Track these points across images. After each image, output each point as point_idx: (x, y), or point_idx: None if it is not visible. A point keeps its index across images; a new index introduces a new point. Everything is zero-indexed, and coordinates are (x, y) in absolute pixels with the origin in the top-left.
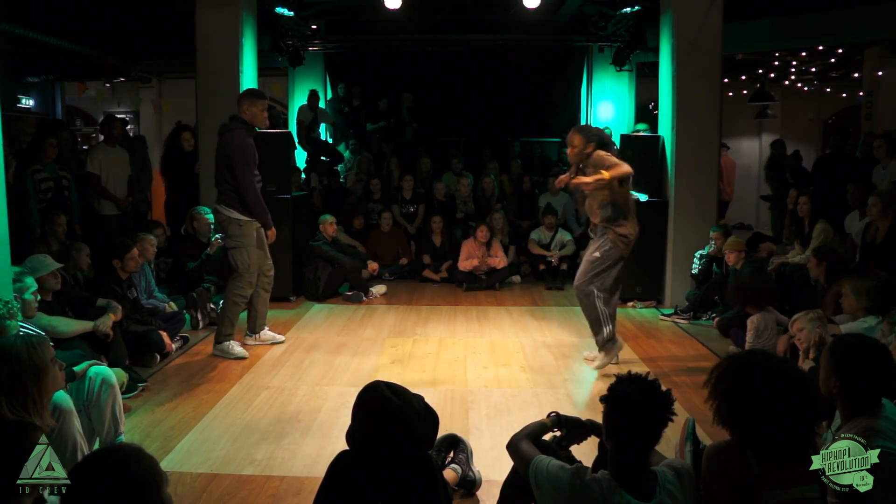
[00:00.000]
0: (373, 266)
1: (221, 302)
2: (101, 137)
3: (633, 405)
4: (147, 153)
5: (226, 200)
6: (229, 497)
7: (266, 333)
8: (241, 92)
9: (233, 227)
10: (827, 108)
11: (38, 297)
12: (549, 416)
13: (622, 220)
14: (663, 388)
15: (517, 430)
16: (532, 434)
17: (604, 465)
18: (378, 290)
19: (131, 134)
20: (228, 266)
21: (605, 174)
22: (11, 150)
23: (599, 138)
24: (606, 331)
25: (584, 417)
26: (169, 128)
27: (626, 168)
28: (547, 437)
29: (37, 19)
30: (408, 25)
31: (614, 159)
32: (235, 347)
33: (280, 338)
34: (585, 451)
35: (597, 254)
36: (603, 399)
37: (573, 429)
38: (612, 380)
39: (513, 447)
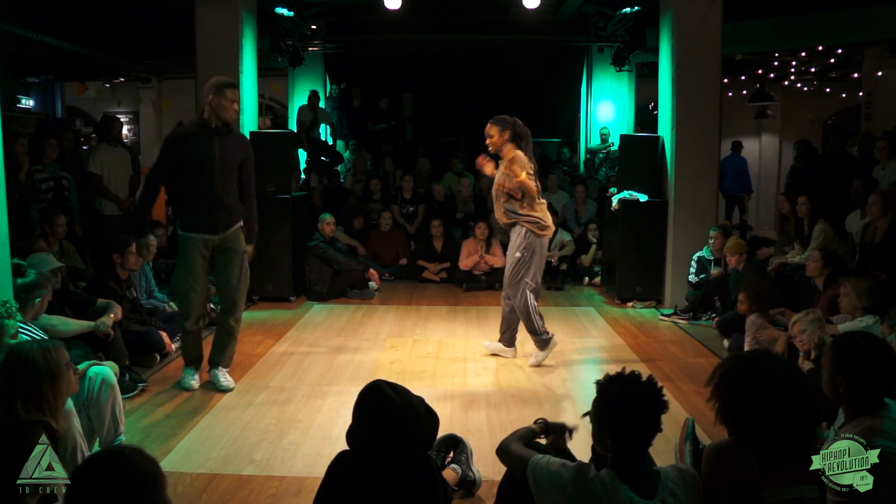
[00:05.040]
0: (373, 274)
1: (218, 306)
2: (97, 137)
3: (624, 401)
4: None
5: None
6: (229, 497)
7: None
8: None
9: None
10: (827, 108)
11: (45, 304)
12: (536, 422)
13: (528, 208)
14: (643, 377)
15: (517, 430)
16: (522, 438)
17: (602, 465)
18: (372, 286)
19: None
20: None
21: (522, 175)
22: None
23: (513, 127)
24: (539, 326)
25: (583, 416)
26: (169, 128)
27: (529, 184)
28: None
29: (37, 19)
30: (408, 25)
31: (521, 171)
32: (189, 381)
33: (228, 385)
34: (585, 452)
35: (517, 253)
36: (596, 404)
37: (560, 435)
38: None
39: (504, 450)
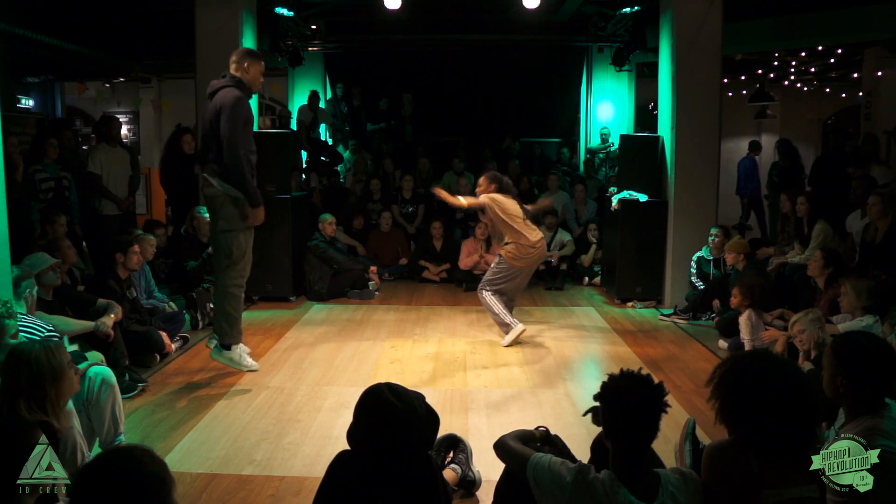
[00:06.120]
0: (372, 269)
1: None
2: (96, 138)
3: (628, 398)
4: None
5: (220, 172)
6: (229, 497)
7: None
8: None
9: (227, 206)
10: (826, 108)
11: (35, 295)
12: (538, 429)
13: (504, 243)
14: (655, 380)
15: (516, 430)
16: (520, 438)
17: (601, 466)
18: (372, 286)
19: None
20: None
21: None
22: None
23: (500, 183)
24: (508, 318)
25: (584, 414)
26: (169, 128)
27: (474, 200)
28: None
29: (37, 19)
30: (408, 25)
31: (484, 198)
32: (247, 359)
33: (254, 365)
34: (585, 453)
35: (493, 266)
36: (597, 397)
37: (554, 448)
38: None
39: (502, 446)
